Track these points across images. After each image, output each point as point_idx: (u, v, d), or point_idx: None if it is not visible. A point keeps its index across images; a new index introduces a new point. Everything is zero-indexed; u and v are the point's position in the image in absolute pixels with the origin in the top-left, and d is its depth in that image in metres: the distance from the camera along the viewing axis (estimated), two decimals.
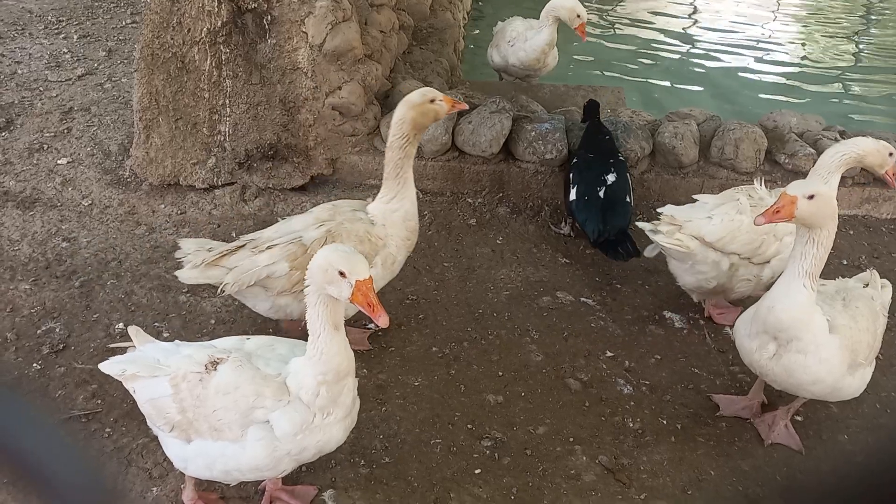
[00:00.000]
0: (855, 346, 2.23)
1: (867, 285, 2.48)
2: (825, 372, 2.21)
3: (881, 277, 2.58)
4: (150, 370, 2.00)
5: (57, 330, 2.81)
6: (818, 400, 2.46)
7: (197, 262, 2.44)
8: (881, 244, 3.54)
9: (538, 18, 4.65)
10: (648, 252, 2.94)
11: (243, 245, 2.48)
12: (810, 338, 2.18)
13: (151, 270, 3.17)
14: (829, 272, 2.45)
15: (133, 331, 2.17)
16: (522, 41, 4.55)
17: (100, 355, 2.70)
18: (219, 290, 2.46)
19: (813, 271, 2.15)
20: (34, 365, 2.65)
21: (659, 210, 2.84)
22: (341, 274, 1.79)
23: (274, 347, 2.04)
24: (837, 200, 2.28)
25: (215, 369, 1.94)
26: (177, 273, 2.49)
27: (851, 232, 3.60)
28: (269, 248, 2.44)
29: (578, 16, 4.22)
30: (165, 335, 2.81)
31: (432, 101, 2.50)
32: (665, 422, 2.56)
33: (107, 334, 2.81)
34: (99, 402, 2.52)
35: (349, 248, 1.87)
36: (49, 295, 2.99)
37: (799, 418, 2.58)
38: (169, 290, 3.05)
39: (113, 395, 2.54)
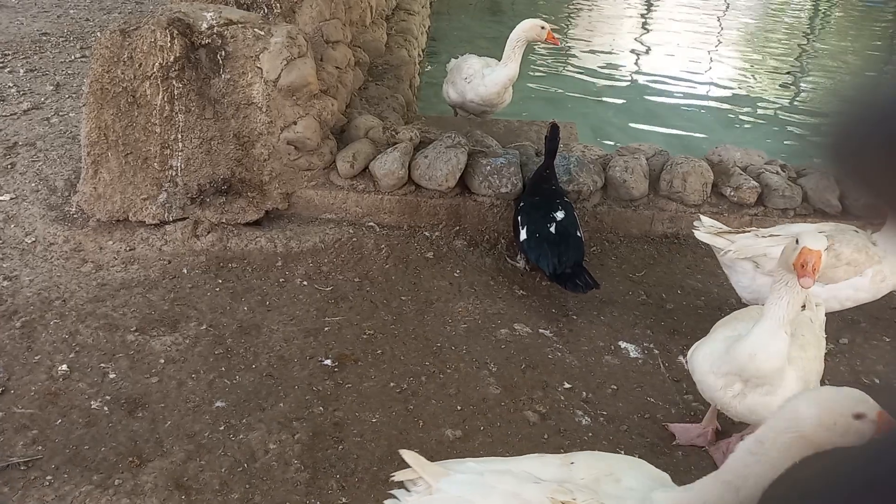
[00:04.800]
0: (807, 375, 2.29)
1: (803, 307, 2.55)
2: None
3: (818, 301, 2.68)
4: None
5: None
6: None
7: (710, 230, 3.00)
8: None
9: (492, 57, 4.76)
10: None
11: (748, 231, 2.98)
12: (781, 382, 2.23)
13: (98, 309, 3.07)
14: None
15: (412, 458, 1.71)
16: (480, 77, 4.63)
17: (41, 398, 2.59)
18: (722, 253, 2.95)
19: (792, 318, 2.20)
20: None
21: None
22: (858, 416, 1.43)
23: (618, 478, 1.64)
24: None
25: None
26: (694, 232, 3.03)
27: None
28: (771, 236, 2.89)
29: (543, 27, 4.42)
30: (112, 376, 2.72)
31: None
32: (623, 452, 2.57)
33: (49, 376, 2.70)
34: (40, 448, 2.40)
35: (831, 389, 1.55)
36: None
37: None
38: (116, 330, 2.95)
39: (55, 441, 2.42)
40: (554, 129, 3.53)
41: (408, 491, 1.72)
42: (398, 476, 1.74)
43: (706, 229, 3.04)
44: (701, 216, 3.17)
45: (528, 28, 4.43)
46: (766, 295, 2.85)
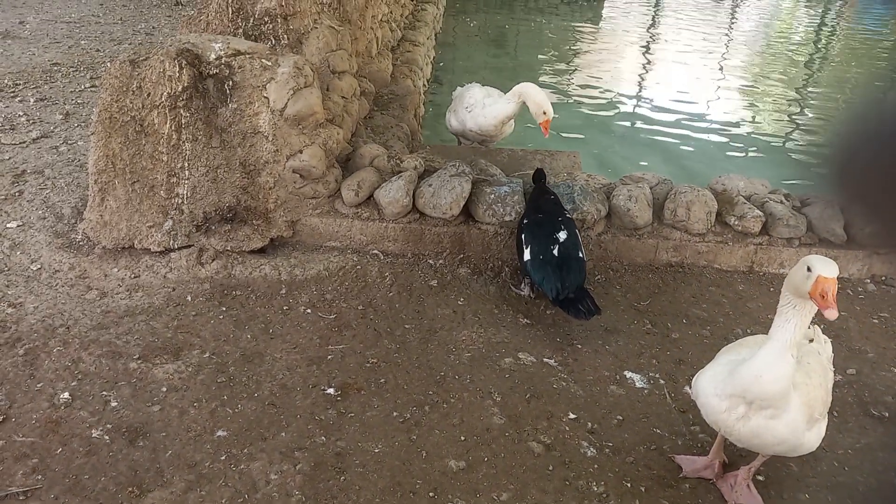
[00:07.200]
0: (811, 402, 2.27)
1: (811, 341, 2.53)
2: (789, 433, 2.23)
3: (827, 336, 2.65)
4: None
5: None
6: (778, 458, 2.47)
7: None
8: None
9: (495, 87, 4.81)
10: None
11: None
12: (785, 406, 2.21)
13: (101, 336, 3.07)
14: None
15: None
16: (481, 108, 4.66)
17: (42, 426, 2.57)
18: None
19: (799, 341, 2.18)
20: None
21: None
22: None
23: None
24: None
25: None
26: None
27: None
28: None
29: (545, 112, 4.24)
30: (114, 404, 2.70)
31: None
32: (629, 485, 2.53)
33: (51, 404, 2.68)
34: (39, 477, 2.38)
35: None
36: None
37: (760, 478, 2.59)
38: (119, 357, 2.95)
39: (55, 470, 2.40)
40: (538, 171, 3.71)
41: None
42: None
43: None
44: None
45: (533, 99, 4.26)
46: None
